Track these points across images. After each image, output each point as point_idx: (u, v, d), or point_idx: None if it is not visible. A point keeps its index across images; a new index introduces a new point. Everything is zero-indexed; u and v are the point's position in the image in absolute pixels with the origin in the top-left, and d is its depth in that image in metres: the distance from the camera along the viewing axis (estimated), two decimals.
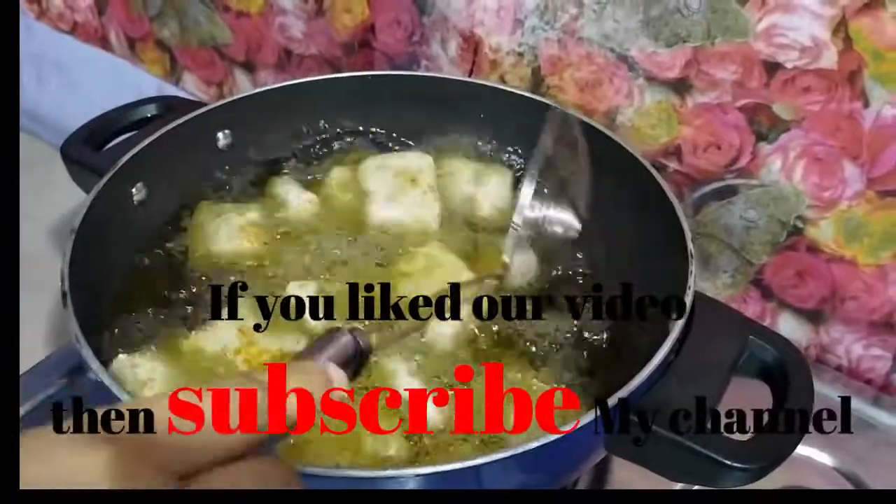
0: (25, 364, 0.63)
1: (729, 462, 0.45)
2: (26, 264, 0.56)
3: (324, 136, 0.68)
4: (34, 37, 1.01)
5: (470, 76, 0.72)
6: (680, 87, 0.64)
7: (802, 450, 0.61)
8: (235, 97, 0.64)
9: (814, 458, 0.61)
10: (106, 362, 0.48)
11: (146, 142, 0.58)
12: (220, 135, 0.62)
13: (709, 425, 0.46)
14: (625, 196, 0.60)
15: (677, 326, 0.49)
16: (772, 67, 0.60)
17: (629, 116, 0.67)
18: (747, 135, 0.63)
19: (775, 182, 0.64)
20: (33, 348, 0.67)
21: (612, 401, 0.45)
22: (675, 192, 0.68)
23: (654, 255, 0.57)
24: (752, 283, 0.69)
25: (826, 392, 0.67)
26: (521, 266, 0.58)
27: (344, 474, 0.42)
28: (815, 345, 0.69)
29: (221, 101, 0.62)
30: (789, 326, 0.69)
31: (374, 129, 0.69)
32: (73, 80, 1.00)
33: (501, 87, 0.69)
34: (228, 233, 0.58)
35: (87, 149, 0.60)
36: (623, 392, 0.45)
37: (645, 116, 0.67)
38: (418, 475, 0.42)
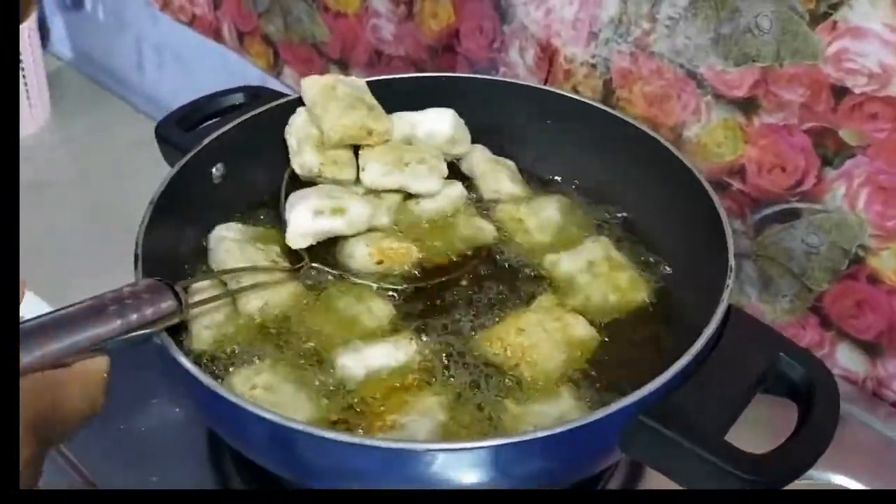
0: None
1: (740, 474, 0.45)
2: (130, 235, 0.64)
3: None
4: (158, 26, 1.09)
5: (545, 84, 0.75)
6: (747, 106, 0.64)
7: (836, 479, 0.60)
8: None
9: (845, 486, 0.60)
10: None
11: (228, 126, 0.63)
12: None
13: (725, 436, 0.47)
14: (681, 206, 0.61)
15: (704, 336, 0.50)
16: (840, 92, 0.59)
17: (695, 133, 0.68)
18: (813, 158, 0.63)
19: (838, 208, 0.63)
20: None
21: (628, 400, 0.46)
22: (738, 211, 0.68)
23: (700, 265, 0.58)
24: (811, 310, 0.69)
25: (879, 428, 0.66)
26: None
27: (357, 441, 0.44)
28: (872, 378, 0.68)
29: (299, 94, 0.66)
30: (846, 357, 0.68)
31: None
32: (188, 67, 1.08)
33: (574, 96, 0.71)
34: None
35: (178, 130, 0.66)
36: (640, 393, 0.47)
37: (711, 133, 0.67)
38: (431, 450, 0.44)
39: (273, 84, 0.98)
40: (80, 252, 0.83)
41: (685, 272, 0.61)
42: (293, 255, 0.61)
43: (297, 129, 0.64)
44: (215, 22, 1.03)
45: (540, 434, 0.46)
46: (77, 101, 1.11)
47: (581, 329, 0.57)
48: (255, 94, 0.70)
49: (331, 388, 0.53)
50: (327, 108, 0.63)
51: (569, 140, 0.69)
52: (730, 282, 0.53)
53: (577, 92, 0.73)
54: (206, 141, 0.62)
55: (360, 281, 0.59)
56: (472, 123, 0.70)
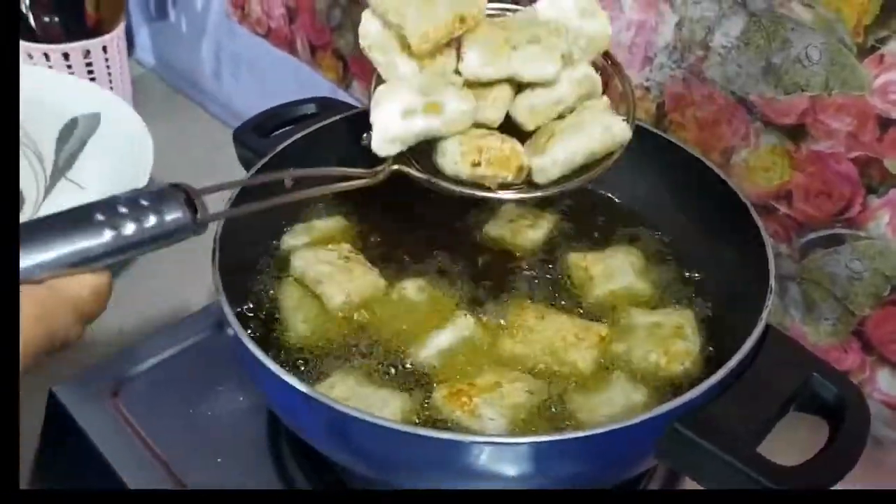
0: (183, 313, 0.74)
1: (769, 484, 0.47)
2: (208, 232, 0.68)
3: None
4: (235, 38, 1.15)
5: None
6: (795, 133, 0.66)
7: None
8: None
9: None
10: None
11: (300, 134, 0.67)
12: (365, 135, 0.71)
13: (757, 448, 0.50)
14: (727, 228, 0.63)
15: (741, 352, 0.52)
16: (885, 123, 0.61)
17: (744, 157, 0.70)
18: (858, 186, 0.65)
19: (882, 235, 0.65)
20: (197, 302, 0.77)
21: (664, 408, 0.49)
22: (783, 235, 0.70)
23: (744, 286, 0.60)
24: (854, 335, 0.70)
25: None
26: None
27: (389, 425, 0.47)
28: None
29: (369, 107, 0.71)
30: (887, 382, 0.70)
31: None
32: (262, 77, 1.14)
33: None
34: None
35: (254, 135, 0.70)
36: (676, 402, 0.49)
37: (759, 159, 0.69)
38: (474, 442, 0.48)
39: (341, 96, 1.03)
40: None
41: (728, 293, 0.63)
42: (364, 246, 0.65)
43: (375, 39, 0.55)
44: (290, 35, 1.08)
45: (577, 434, 0.49)
46: (158, 106, 1.17)
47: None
48: (326, 105, 0.74)
49: (408, 383, 0.56)
50: (403, 12, 0.52)
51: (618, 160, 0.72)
52: (769, 302, 0.55)
53: None
54: (279, 147, 0.66)
55: (448, 185, 0.53)
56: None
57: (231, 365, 0.65)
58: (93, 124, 0.89)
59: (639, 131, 0.70)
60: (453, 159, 0.52)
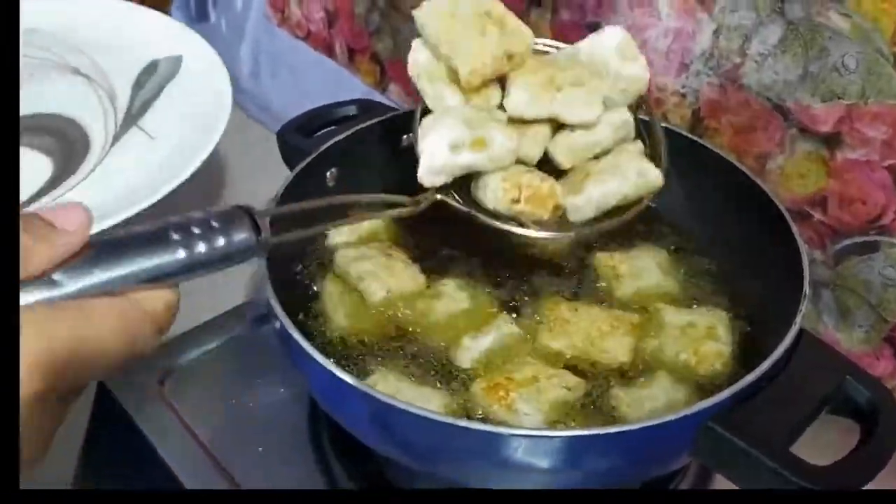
0: (224, 307, 0.76)
1: (802, 482, 0.48)
2: None
3: None
4: (274, 40, 1.17)
5: (635, 111, 0.79)
6: (831, 141, 0.67)
7: None
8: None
9: None
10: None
11: (343, 135, 0.69)
12: (404, 136, 0.72)
13: (790, 448, 0.51)
14: (761, 233, 0.64)
15: (775, 354, 0.53)
16: None
17: (779, 163, 0.71)
18: (892, 194, 0.66)
19: None
20: (235, 296, 0.79)
21: (698, 407, 0.50)
22: (818, 241, 0.71)
23: (778, 291, 0.61)
24: (886, 341, 0.71)
25: None
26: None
27: (426, 415, 0.49)
28: None
29: (409, 108, 0.72)
30: None
31: None
32: (300, 80, 1.16)
33: (662, 124, 0.74)
34: None
35: (297, 135, 0.72)
36: (711, 401, 0.51)
37: (795, 165, 0.70)
38: (512, 435, 0.49)
39: (378, 99, 1.04)
40: None
41: (762, 298, 0.64)
42: (405, 244, 0.67)
43: (424, 68, 0.57)
44: (328, 38, 1.10)
45: (611, 430, 0.50)
46: None
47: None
48: (367, 107, 0.76)
49: (449, 381, 0.58)
50: (455, 46, 0.53)
51: None
52: (803, 307, 0.56)
53: (665, 119, 0.77)
54: (323, 147, 0.68)
55: (487, 220, 0.54)
56: None
57: (272, 358, 0.68)
58: (173, 69, 0.82)
59: (674, 136, 0.71)
60: (494, 195, 0.53)
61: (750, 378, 0.52)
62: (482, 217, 0.54)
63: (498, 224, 0.54)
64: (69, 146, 0.69)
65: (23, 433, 0.35)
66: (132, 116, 0.74)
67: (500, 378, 0.56)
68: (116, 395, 0.65)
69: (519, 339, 0.60)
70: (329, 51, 1.11)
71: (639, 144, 0.58)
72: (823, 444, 0.53)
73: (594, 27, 0.79)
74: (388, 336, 0.61)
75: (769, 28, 0.67)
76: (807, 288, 0.57)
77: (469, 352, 0.59)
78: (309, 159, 0.66)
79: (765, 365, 0.52)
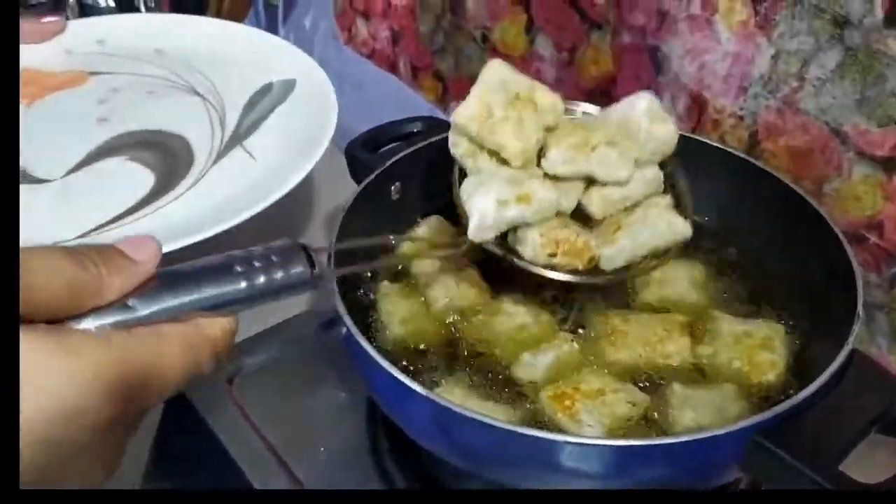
0: (287, 314, 0.79)
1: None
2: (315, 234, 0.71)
3: None
4: (341, 57, 1.21)
5: (693, 132, 0.80)
6: (888, 165, 0.68)
7: None
8: None
9: None
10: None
11: (407, 151, 0.72)
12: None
13: (839, 466, 0.51)
14: (816, 255, 0.65)
15: (826, 373, 0.54)
16: None
17: (836, 186, 0.72)
18: None
19: None
20: (299, 302, 0.82)
21: (747, 422, 0.52)
22: (874, 264, 0.72)
23: (832, 312, 0.62)
24: None
25: None
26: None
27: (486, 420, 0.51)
28: None
29: None
30: None
31: None
32: (365, 96, 1.20)
33: (720, 145, 0.76)
34: None
35: (364, 151, 0.76)
36: (761, 416, 0.52)
37: (852, 189, 0.71)
38: (567, 442, 0.51)
39: (439, 115, 1.07)
40: None
41: (815, 317, 0.65)
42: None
43: (467, 150, 0.59)
44: (393, 57, 1.14)
45: (660, 441, 0.52)
46: None
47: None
48: (432, 124, 0.79)
49: (511, 396, 0.60)
50: (499, 141, 0.56)
51: (709, 185, 0.74)
52: (856, 328, 0.57)
53: (723, 141, 0.78)
54: (388, 162, 0.71)
55: (526, 265, 0.57)
56: None
57: (334, 362, 0.71)
58: (285, 92, 0.82)
59: (731, 158, 0.73)
60: (532, 248, 0.56)
61: (801, 395, 0.53)
62: (521, 263, 0.57)
63: (535, 269, 0.57)
64: (173, 162, 0.72)
65: (97, 454, 0.37)
66: (238, 136, 0.76)
67: (567, 388, 0.58)
68: (186, 394, 0.69)
69: (577, 358, 0.62)
70: (393, 68, 1.15)
71: (668, 198, 0.61)
72: (872, 462, 0.53)
73: (654, 50, 0.81)
74: (446, 346, 0.63)
75: (827, 53, 0.68)
76: (860, 310, 0.58)
77: (530, 367, 0.61)
78: (375, 174, 0.69)
79: (816, 383, 0.54)
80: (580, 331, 0.65)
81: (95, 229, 0.66)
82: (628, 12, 0.81)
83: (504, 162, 0.57)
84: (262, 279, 0.43)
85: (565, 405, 0.57)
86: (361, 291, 0.68)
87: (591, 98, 0.89)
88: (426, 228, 0.73)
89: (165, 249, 0.54)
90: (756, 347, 0.61)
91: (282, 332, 0.75)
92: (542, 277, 0.57)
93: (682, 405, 0.58)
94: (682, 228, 0.59)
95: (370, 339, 0.63)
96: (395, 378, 0.53)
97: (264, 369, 0.71)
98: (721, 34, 0.75)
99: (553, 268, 0.57)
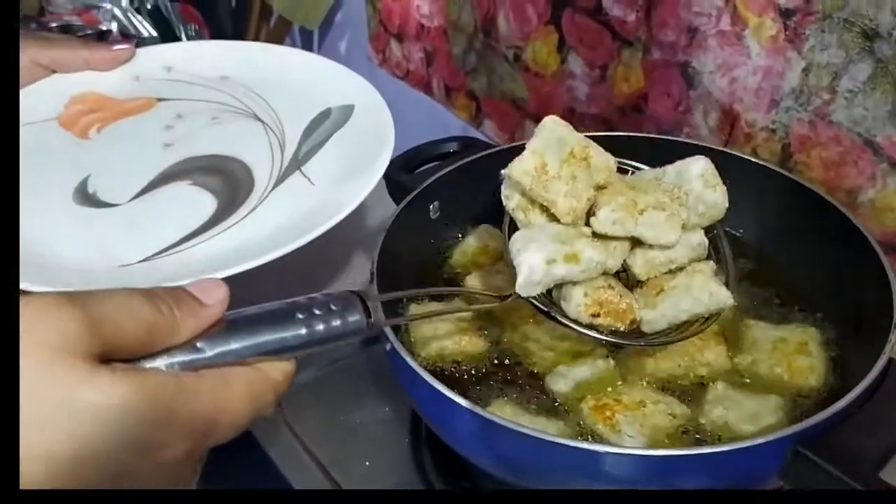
0: None
1: None
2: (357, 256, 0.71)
3: None
4: (375, 78, 1.23)
5: (725, 146, 0.81)
6: None
7: None
8: (523, 142, 0.79)
9: None
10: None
11: (445, 170, 0.74)
12: (502, 171, 0.77)
13: (878, 473, 0.52)
14: (850, 265, 0.66)
15: (864, 382, 0.55)
16: None
17: (870, 197, 0.72)
18: None
19: None
20: None
21: (786, 431, 0.53)
22: None
23: (867, 322, 0.63)
24: None
25: None
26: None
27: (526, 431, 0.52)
28: None
29: (509, 145, 0.77)
30: None
31: None
32: (399, 116, 1.22)
33: (753, 158, 0.77)
34: None
35: (402, 171, 0.78)
36: (800, 426, 0.53)
37: (886, 199, 0.71)
38: (607, 452, 0.52)
39: (472, 133, 1.10)
40: (312, 268, 0.89)
41: (850, 328, 0.65)
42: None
43: (519, 204, 0.61)
44: (427, 77, 1.16)
45: (699, 451, 0.53)
46: None
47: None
48: (467, 144, 0.81)
49: (545, 404, 0.61)
50: (550, 197, 0.58)
51: (743, 198, 0.75)
52: (893, 337, 0.58)
53: (756, 154, 0.79)
54: (427, 182, 0.73)
55: (570, 325, 0.57)
56: None
57: (376, 378, 0.73)
58: (344, 117, 0.83)
59: (765, 171, 0.74)
60: (576, 307, 0.57)
61: (840, 405, 0.54)
62: (564, 320, 0.57)
63: (578, 329, 0.57)
64: (235, 187, 0.74)
65: (173, 482, 0.41)
66: (297, 161, 0.77)
67: (608, 399, 0.59)
68: None
69: (611, 375, 0.63)
70: (427, 88, 1.17)
71: (711, 264, 0.61)
72: None
73: (685, 66, 0.82)
74: (478, 357, 0.65)
75: (858, 66, 0.69)
76: None
77: (564, 379, 0.63)
78: (413, 194, 0.71)
79: (854, 392, 0.54)
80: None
81: (159, 253, 0.68)
82: (658, 29, 0.83)
83: (554, 218, 0.58)
84: (321, 327, 0.45)
85: (606, 416, 0.59)
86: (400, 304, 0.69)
87: (623, 113, 0.90)
88: (475, 238, 0.75)
89: (227, 273, 0.56)
90: (793, 353, 0.63)
91: (325, 350, 0.77)
92: (584, 335, 0.58)
93: (716, 401, 0.60)
94: (723, 297, 0.59)
95: (412, 354, 0.65)
96: (440, 393, 0.55)
97: (310, 387, 0.73)
98: (751, 49, 0.76)
99: (595, 327, 0.57)
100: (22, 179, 0.72)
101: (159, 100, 0.85)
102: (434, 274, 0.74)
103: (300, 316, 0.45)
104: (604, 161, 0.59)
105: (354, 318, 0.46)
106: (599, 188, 0.59)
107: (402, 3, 1.15)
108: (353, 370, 0.75)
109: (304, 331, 0.44)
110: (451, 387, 0.60)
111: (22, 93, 0.82)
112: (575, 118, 0.96)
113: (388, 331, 0.59)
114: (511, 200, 0.61)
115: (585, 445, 0.52)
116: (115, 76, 0.86)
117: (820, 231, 0.69)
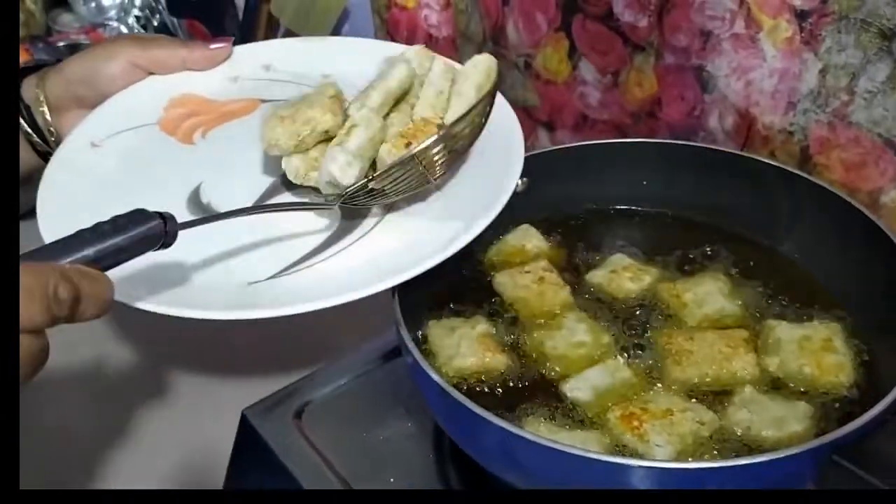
0: (352, 344, 0.81)
1: None
2: None
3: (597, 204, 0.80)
4: None
5: (742, 149, 0.81)
6: None
7: None
8: (536, 151, 0.78)
9: None
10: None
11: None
12: (518, 181, 0.76)
13: None
14: (875, 267, 0.65)
15: None
16: None
17: (892, 197, 0.72)
18: None
19: None
20: (363, 332, 0.83)
21: (821, 440, 0.52)
22: None
23: (891, 321, 0.63)
24: None
25: None
26: None
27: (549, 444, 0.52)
28: None
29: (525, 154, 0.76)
30: None
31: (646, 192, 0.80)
32: None
33: (771, 161, 0.76)
34: None
35: None
36: (834, 434, 0.52)
37: None
38: (639, 466, 0.52)
39: None
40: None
41: (876, 329, 0.65)
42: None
43: (296, 171, 0.70)
44: None
45: (733, 463, 0.52)
46: None
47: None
48: None
49: (568, 415, 0.61)
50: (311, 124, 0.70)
51: (763, 202, 0.75)
52: None
53: (774, 157, 0.78)
54: None
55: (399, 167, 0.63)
56: (672, 184, 0.78)
57: (399, 392, 0.72)
58: None
59: (784, 174, 0.73)
60: (387, 151, 0.67)
61: (873, 412, 0.53)
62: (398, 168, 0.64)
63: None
64: None
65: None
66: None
67: (635, 408, 0.59)
68: (257, 428, 0.70)
69: (629, 384, 0.63)
70: None
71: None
72: None
73: (699, 70, 0.81)
74: (500, 371, 0.64)
75: (877, 66, 0.68)
76: None
77: (582, 386, 0.62)
78: None
79: (888, 399, 0.54)
80: (640, 353, 0.65)
81: (286, 269, 0.65)
82: (671, 34, 0.82)
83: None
84: (120, 238, 0.53)
85: (633, 426, 0.58)
86: (419, 317, 0.69)
87: (636, 120, 0.90)
88: (514, 236, 0.76)
89: (358, 296, 0.60)
90: (819, 350, 0.62)
91: (345, 365, 0.76)
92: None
93: (742, 404, 0.59)
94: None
95: (433, 367, 0.64)
96: (464, 406, 0.54)
97: (330, 402, 0.73)
98: (766, 51, 0.75)
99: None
100: (130, 187, 0.69)
101: (262, 101, 0.80)
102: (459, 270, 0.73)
103: (106, 227, 0.53)
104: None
105: (153, 222, 0.54)
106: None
107: (410, 14, 1.14)
108: (374, 385, 0.74)
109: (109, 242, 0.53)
110: (474, 401, 0.60)
111: (119, 97, 0.78)
112: (587, 125, 0.96)
113: (412, 346, 0.58)
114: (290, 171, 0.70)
115: (622, 460, 0.51)
116: (213, 77, 0.82)
117: (843, 233, 0.69)
